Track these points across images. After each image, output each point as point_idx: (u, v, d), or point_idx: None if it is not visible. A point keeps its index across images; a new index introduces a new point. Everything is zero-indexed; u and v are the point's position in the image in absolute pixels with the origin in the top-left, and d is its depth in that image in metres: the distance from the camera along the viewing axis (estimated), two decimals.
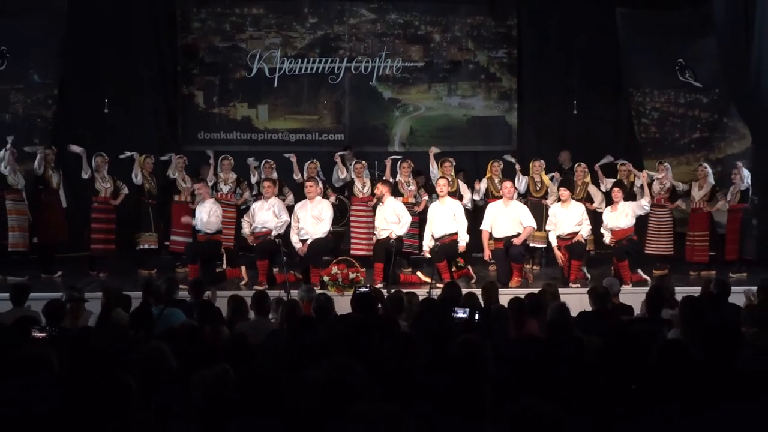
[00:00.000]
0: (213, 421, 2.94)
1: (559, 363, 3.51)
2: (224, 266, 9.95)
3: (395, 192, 9.98)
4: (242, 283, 9.33)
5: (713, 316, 5.47)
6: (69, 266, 10.13)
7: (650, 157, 11.69)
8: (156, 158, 10.70)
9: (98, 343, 4.40)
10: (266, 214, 9.31)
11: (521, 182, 10.50)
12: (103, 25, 11.57)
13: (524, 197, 10.49)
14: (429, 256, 9.42)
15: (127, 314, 6.00)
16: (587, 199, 10.42)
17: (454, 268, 9.38)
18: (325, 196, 10.10)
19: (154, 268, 10.21)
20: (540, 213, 10.13)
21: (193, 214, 9.82)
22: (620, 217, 9.42)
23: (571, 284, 9.10)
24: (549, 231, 9.62)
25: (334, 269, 8.98)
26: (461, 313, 5.14)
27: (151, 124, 12.19)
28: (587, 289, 7.01)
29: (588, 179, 10.64)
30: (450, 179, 10.17)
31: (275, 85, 12.61)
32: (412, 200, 10.37)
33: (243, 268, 9.63)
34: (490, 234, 9.47)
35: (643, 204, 9.62)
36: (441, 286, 8.26)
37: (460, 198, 10.18)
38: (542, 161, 10.75)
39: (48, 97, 11.21)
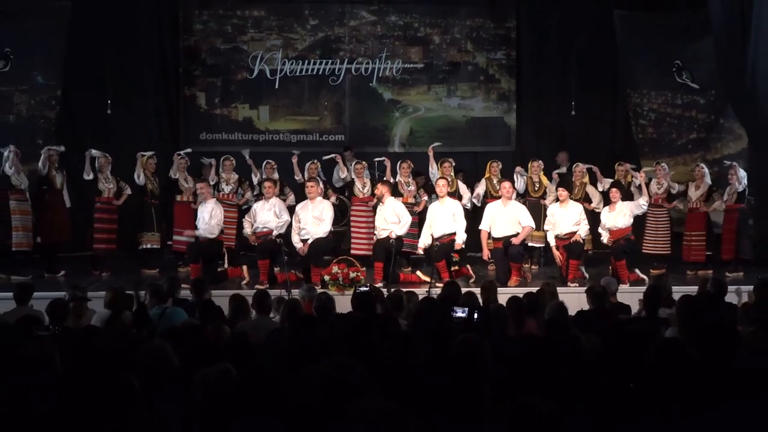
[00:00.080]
0: (214, 420, 2.93)
1: (557, 362, 3.51)
2: (226, 266, 9.94)
3: (395, 192, 9.98)
4: (243, 282, 9.33)
5: (710, 315, 5.47)
6: (72, 266, 10.13)
7: (648, 157, 11.70)
8: (158, 157, 10.69)
9: (101, 343, 4.39)
10: (267, 214, 9.32)
11: (519, 182, 10.50)
12: (106, 27, 11.55)
13: (523, 197, 10.49)
14: (422, 253, 9.46)
15: (130, 314, 5.99)
16: (585, 199, 10.42)
17: (454, 267, 9.37)
18: (325, 196, 10.10)
19: (156, 267, 10.21)
20: (538, 213, 10.13)
21: (195, 214, 9.83)
22: (618, 216, 9.43)
23: (569, 283, 9.10)
24: (547, 231, 9.62)
25: (335, 269, 8.98)
26: (460, 313, 5.14)
27: (153, 125, 12.19)
28: (585, 288, 7.01)
29: (586, 179, 10.64)
30: (449, 179, 10.18)
31: (276, 87, 12.61)
32: (411, 200, 10.37)
33: (244, 267, 9.63)
34: (489, 234, 9.47)
35: (642, 203, 9.62)
36: (440, 285, 8.27)
37: (460, 198, 10.18)
38: (540, 162, 10.76)
39: (51, 98, 11.22)
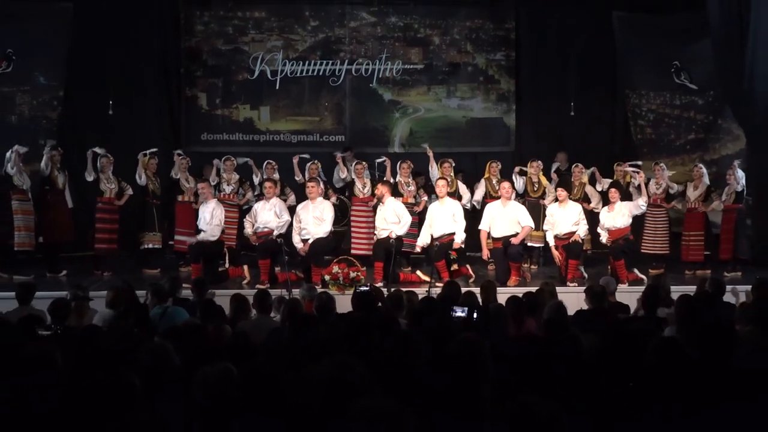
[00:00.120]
0: (215, 420, 2.93)
1: (556, 361, 3.51)
2: (227, 265, 9.95)
3: (395, 192, 9.98)
4: (244, 282, 9.33)
5: (708, 314, 5.47)
6: (74, 266, 10.13)
7: (646, 157, 11.69)
8: (159, 157, 10.69)
9: (103, 342, 4.39)
10: (268, 214, 9.33)
11: (519, 183, 10.50)
12: (107, 28, 11.58)
13: (522, 197, 10.49)
14: (419, 251, 9.49)
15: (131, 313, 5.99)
16: (584, 200, 10.43)
17: (454, 267, 9.37)
18: (326, 196, 10.10)
19: (157, 267, 10.20)
20: (537, 213, 10.12)
21: (196, 214, 9.83)
22: (617, 216, 9.43)
23: (568, 283, 9.10)
24: (546, 231, 9.62)
25: (335, 268, 8.98)
26: (460, 312, 5.14)
27: (154, 125, 12.19)
28: (584, 287, 7.01)
29: (585, 180, 10.63)
30: (449, 180, 10.18)
31: (277, 87, 12.61)
32: (411, 200, 10.37)
33: (245, 267, 9.63)
34: (489, 233, 9.47)
35: (640, 204, 9.63)
36: (440, 284, 8.27)
37: (459, 198, 10.18)
38: (540, 162, 10.76)
39: (53, 99, 11.22)
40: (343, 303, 6.89)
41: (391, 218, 9.37)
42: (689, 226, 10.30)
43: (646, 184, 10.06)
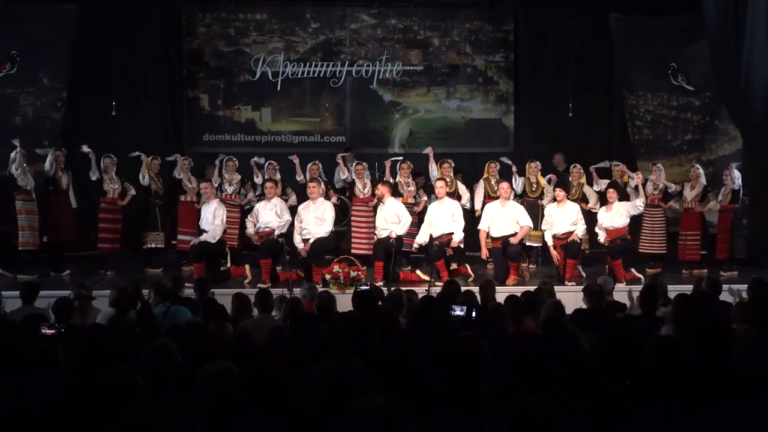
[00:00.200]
0: (217, 419, 2.93)
1: (554, 360, 3.51)
2: (228, 265, 9.95)
3: (395, 192, 9.98)
4: (246, 281, 9.33)
5: (705, 313, 5.47)
6: (78, 265, 10.13)
7: (644, 158, 11.69)
8: (162, 159, 10.71)
9: (107, 341, 4.39)
10: (269, 214, 9.34)
11: (518, 183, 10.51)
12: (110, 30, 11.58)
13: (520, 198, 10.49)
14: (416, 246, 9.53)
15: (134, 312, 5.99)
16: (582, 200, 10.43)
17: (453, 266, 9.37)
18: (326, 196, 10.10)
19: (160, 266, 10.21)
20: (536, 213, 10.13)
21: (198, 214, 9.84)
22: (615, 216, 9.43)
23: (566, 282, 9.11)
24: (545, 230, 9.63)
25: (336, 268, 8.99)
26: (459, 311, 5.13)
27: (157, 126, 12.20)
28: (582, 287, 7.02)
29: (583, 180, 10.63)
30: (449, 180, 10.19)
31: (278, 89, 12.61)
32: (411, 200, 10.37)
33: (247, 266, 9.63)
34: (488, 233, 9.48)
35: (638, 204, 9.63)
36: (440, 284, 8.28)
37: (459, 198, 10.18)
38: (538, 162, 10.77)
39: (57, 100, 11.21)
40: (344, 302, 6.90)
41: (391, 218, 9.37)
42: (686, 225, 10.30)
43: (644, 185, 10.06)
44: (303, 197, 9.88)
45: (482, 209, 10.06)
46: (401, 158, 10.87)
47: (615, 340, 3.79)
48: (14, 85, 11.01)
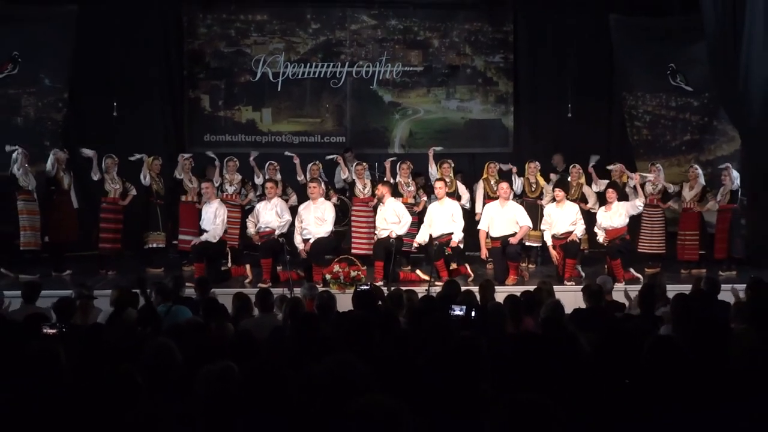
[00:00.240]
0: (218, 418, 2.93)
1: (553, 359, 3.51)
2: (229, 264, 9.96)
3: (395, 193, 9.98)
4: (247, 281, 9.33)
5: (703, 312, 5.47)
6: (79, 265, 10.13)
7: (642, 158, 11.70)
8: (163, 160, 10.71)
9: (108, 340, 4.39)
10: (269, 214, 9.34)
11: (517, 183, 10.51)
12: (112, 30, 11.58)
13: (520, 198, 10.50)
14: (416, 247, 9.55)
15: (135, 311, 5.99)
16: (582, 200, 10.43)
17: (453, 266, 9.38)
18: (327, 196, 10.10)
19: (161, 266, 10.21)
20: (535, 213, 10.13)
21: (199, 214, 9.84)
22: (614, 216, 9.43)
23: (565, 282, 9.11)
24: (544, 230, 9.63)
25: (336, 267, 8.99)
26: (458, 311, 5.13)
27: (158, 127, 12.20)
28: (581, 286, 7.02)
29: (582, 180, 10.64)
30: (449, 180, 10.20)
31: (279, 89, 12.62)
32: (411, 201, 10.37)
33: (247, 266, 9.64)
34: (487, 233, 9.48)
35: (638, 204, 9.63)
36: (439, 283, 8.28)
37: (459, 198, 10.19)
38: (537, 163, 10.78)
39: (59, 101, 11.23)
40: (344, 301, 6.89)
41: (391, 218, 9.37)
42: (685, 225, 10.30)
43: (642, 185, 10.06)
44: (303, 197, 9.88)
45: (482, 202, 10.08)
46: (395, 158, 10.89)
47: (614, 339, 3.79)
48: (16, 85, 11.03)
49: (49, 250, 10.07)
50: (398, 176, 10.49)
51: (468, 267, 9.52)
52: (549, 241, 9.51)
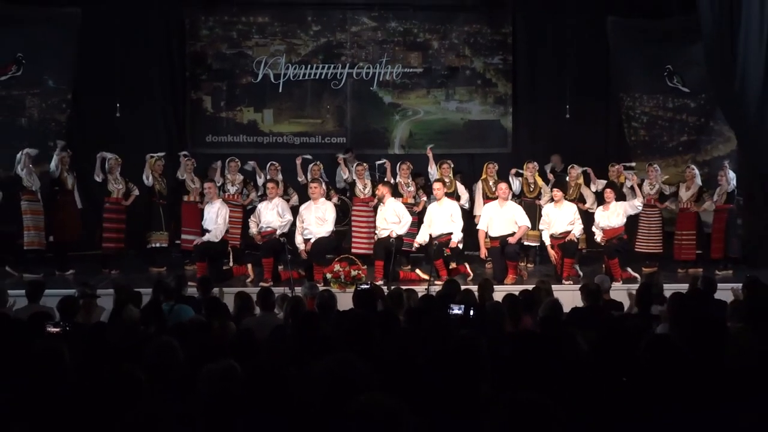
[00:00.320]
0: (220, 417, 2.93)
1: (552, 358, 3.51)
2: (231, 264, 9.97)
3: (395, 193, 9.98)
4: (248, 280, 9.34)
5: (700, 311, 5.47)
6: (83, 264, 10.14)
7: (640, 159, 11.69)
8: (166, 160, 10.72)
9: (111, 339, 4.40)
10: (271, 214, 9.35)
11: (515, 184, 10.51)
12: (114, 32, 11.56)
13: (518, 198, 10.50)
14: (416, 246, 9.55)
15: (138, 310, 5.99)
16: (580, 200, 10.43)
17: (452, 265, 9.38)
18: (327, 196, 10.11)
19: (164, 265, 10.22)
20: (533, 213, 10.13)
21: (201, 213, 9.84)
22: (612, 216, 9.43)
23: (564, 281, 9.11)
24: (542, 230, 9.63)
25: (337, 267, 8.99)
26: (457, 310, 5.13)
27: (160, 127, 12.21)
28: (579, 285, 7.02)
29: (581, 180, 10.64)
30: (448, 181, 10.21)
31: (280, 91, 12.62)
32: (411, 201, 10.37)
33: (249, 265, 9.64)
34: (487, 233, 9.48)
35: (636, 204, 9.64)
36: (439, 283, 8.29)
37: (458, 198, 10.19)
38: (535, 163, 10.77)
39: (62, 102, 11.23)
40: (345, 301, 6.89)
41: (391, 218, 9.37)
42: (682, 225, 10.30)
43: (640, 185, 10.06)
44: (304, 197, 9.88)
45: (482, 198, 10.10)
46: (383, 160, 10.90)
47: (612, 338, 3.79)
48: (20, 86, 11.04)
49: (53, 250, 10.08)
50: (398, 177, 10.50)
51: (467, 266, 9.53)
52: (547, 241, 9.51)
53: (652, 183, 10.33)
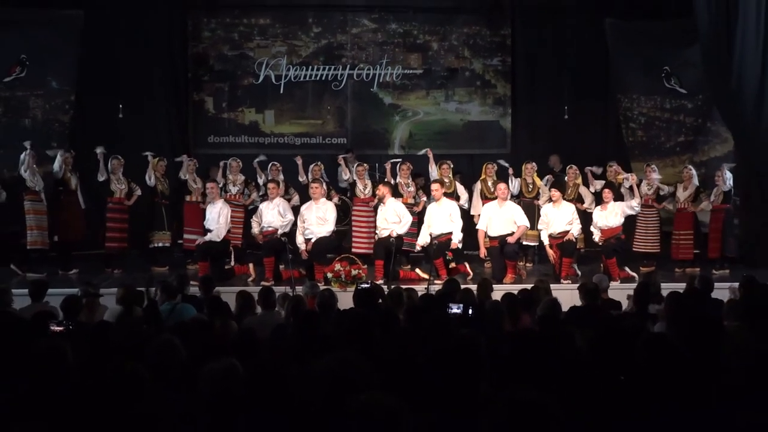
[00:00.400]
0: (221, 416, 2.92)
1: (550, 356, 3.51)
2: (233, 263, 9.96)
3: (395, 193, 9.98)
4: (250, 279, 9.34)
5: (697, 310, 5.46)
6: (86, 263, 10.14)
7: (638, 159, 11.71)
8: (168, 160, 10.73)
9: (115, 338, 4.39)
10: (272, 214, 9.35)
11: (514, 184, 10.52)
12: (117, 34, 11.59)
13: (517, 198, 10.50)
14: (418, 249, 9.56)
15: (140, 309, 5.99)
16: (578, 200, 10.42)
17: (452, 265, 9.38)
18: (328, 197, 10.11)
19: (166, 265, 10.22)
20: (532, 213, 10.13)
21: (203, 213, 9.84)
22: (610, 216, 9.44)
23: (562, 280, 9.11)
24: (541, 230, 9.63)
25: (337, 266, 9.00)
26: (456, 309, 5.13)
27: (163, 128, 12.21)
28: (578, 285, 7.01)
29: (579, 181, 10.64)
30: (448, 181, 10.21)
31: (281, 92, 12.63)
32: (411, 201, 10.37)
33: (250, 265, 9.65)
34: (486, 233, 9.48)
35: (633, 205, 9.63)
36: (438, 282, 8.29)
37: (458, 199, 10.19)
38: (534, 164, 10.77)
39: (65, 103, 11.25)
40: (345, 300, 6.89)
41: (392, 218, 9.38)
42: (679, 225, 10.30)
43: (638, 186, 10.06)
44: (305, 197, 9.89)
45: (479, 213, 10.08)
46: (400, 159, 10.89)
47: (610, 336, 3.79)
48: (24, 88, 11.06)
49: (57, 249, 10.08)
50: (398, 177, 10.50)
51: (467, 265, 9.53)
52: (546, 241, 9.51)
53: (649, 183, 10.32)
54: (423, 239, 9.41)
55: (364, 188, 10.51)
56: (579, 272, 9.68)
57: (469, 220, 10.09)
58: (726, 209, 10.08)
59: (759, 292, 6.29)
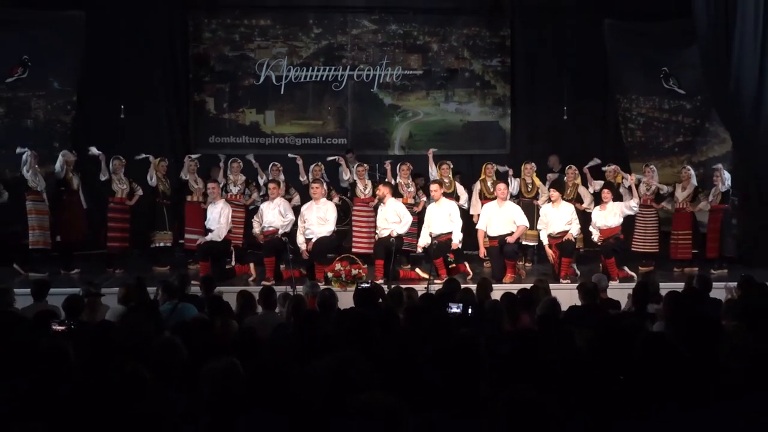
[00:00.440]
0: (222, 415, 2.92)
1: (550, 355, 3.50)
2: (233, 263, 9.96)
3: (395, 193, 9.98)
4: (250, 279, 9.34)
5: (695, 310, 5.46)
6: (88, 263, 10.14)
7: (636, 160, 11.70)
8: (169, 161, 10.73)
9: (116, 337, 4.39)
10: (272, 214, 9.36)
11: (513, 184, 10.52)
12: (119, 35, 11.57)
13: (516, 198, 10.50)
14: (420, 251, 9.54)
15: (141, 307, 5.99)
16: (577, 200, 10.42)
17: (452, 265, 9.38)
18: (328, 197, 10.11)
19: (167, 265, 10.22)
20: (531, 213, 10.13)
21: (204, 213, 9.84)
22: (609, 216, 9.44)
23: (561, 280, 9.11)
24: (540, 230, 9.63)
25: (338, 266, 9.00)
26: (455, 308, 5.13)
27: (164, 129, 12.21)
28: (577, 284, 7.01)
29: (578, 181, 10.64)
30: (447, 181, 10.20)
31: (282, 92, 12.62)
32: (411, 201, 10.37)
33: (251, 264, 9.65)
34: (485, 233, 9.48)
35: (632, 205, 9.63)
36: (438, 281, 8.29)
37: (457, 199, 10.19)
38: (533, 164, 10.77)
39: (67, 104, 11.25)
40: (345, 299, 6.89)
41: (392, 218, 9.38)
42: (678, 225, 10.30)
43: (637, 186, 10.06)
44: (306, 197, 9.89)
45: (479, 213, 10.09)
46: (390, 161, 10.90)
47: (609, 336, 3.79)
48: (26, 88, 11.06)
49: (59, 249, 10.08)
50: (398, 177, 10.50)
51: (467, 265, 9.53)
52: (545, 240, 9.51)
53: (648, 183, 10.32)
54: (423, 240, 9.40)
55: (364, 188, 10.51)
56: (578, 272, 9.68)
57: (468, 220, 10.09)
58: (724, 209, 10.08)
59: (757, 292, 6.28)
